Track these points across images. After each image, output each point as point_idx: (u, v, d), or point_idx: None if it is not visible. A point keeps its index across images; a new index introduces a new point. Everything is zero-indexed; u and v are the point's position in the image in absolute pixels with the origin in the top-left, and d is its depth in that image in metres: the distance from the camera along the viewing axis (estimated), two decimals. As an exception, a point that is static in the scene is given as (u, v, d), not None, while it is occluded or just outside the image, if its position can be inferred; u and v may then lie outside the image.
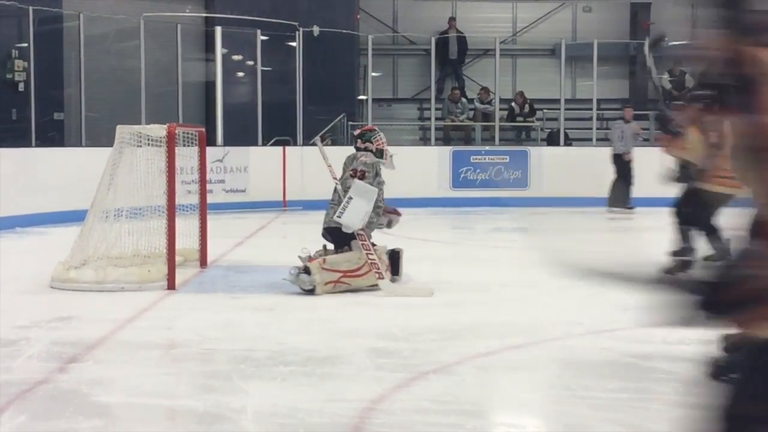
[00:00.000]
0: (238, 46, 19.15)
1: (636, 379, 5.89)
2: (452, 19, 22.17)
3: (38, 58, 15.45)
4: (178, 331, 7.22)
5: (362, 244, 8.85)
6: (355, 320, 7.64)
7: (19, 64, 16.01)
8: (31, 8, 15.18)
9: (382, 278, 8.76)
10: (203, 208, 10.25)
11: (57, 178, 14.32)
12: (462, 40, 21.98)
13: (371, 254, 8.80)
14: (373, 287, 8.79)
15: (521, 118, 20.89)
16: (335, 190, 9.15)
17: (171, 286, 8.78)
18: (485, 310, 7.97)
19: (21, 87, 15.92)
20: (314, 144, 9.85)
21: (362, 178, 9.05)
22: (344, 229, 8.90)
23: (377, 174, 9.21)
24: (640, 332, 7.21)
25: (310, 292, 8.63)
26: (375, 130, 9.50)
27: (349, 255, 8.87)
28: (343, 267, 8.80)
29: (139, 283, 8.73)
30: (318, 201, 16.58)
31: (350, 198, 8.91)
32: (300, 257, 9.06)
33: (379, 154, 9.27)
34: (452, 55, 21.53)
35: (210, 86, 18.54)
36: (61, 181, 14.24)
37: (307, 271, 8.67)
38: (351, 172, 9.13)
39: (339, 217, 8.87)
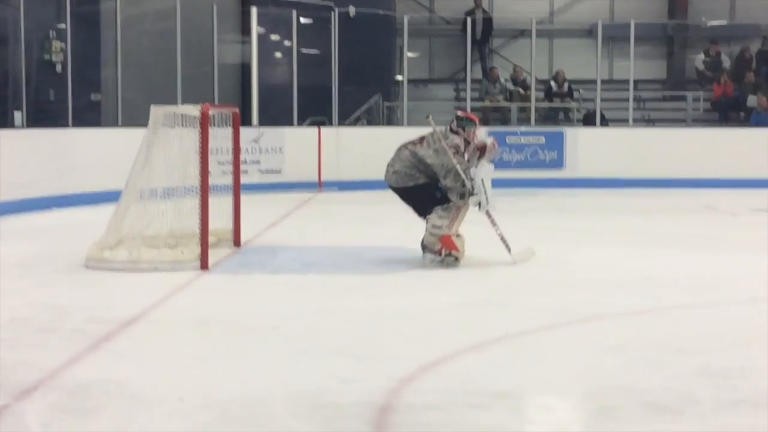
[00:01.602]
0: (274, 27, 19.18)
1: (667, 364, 5.87)
2: (478, -1, 22.00)
3: (75, 39, 15.53)
4: (211, 310, 7.26)
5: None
6: (387, 301, 7.65)
7: (56, 45, 16.07)
8: (68, -11, 15.26)
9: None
10: (237, 189, 10.29)
11: (93, 159, 14.42)
12: (487, 21, 21.85)
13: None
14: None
15: (558, 99, 20.81)
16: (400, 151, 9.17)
17: (204, 266, 8.83)
18: (515, 290, 7.98)
19: (59, 68, 16.00)
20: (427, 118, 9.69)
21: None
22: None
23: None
24: (670, 314, 7.21)
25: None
26: (475, 123, 9.36)
27: (448, 207, 8.99)
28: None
29: (173, 263, 8.78)
30: (354, 181, 16.73)
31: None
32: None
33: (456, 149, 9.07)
34: (477, 35, 21.35)
35: (246, 67, 18.58)
36: (97, 162, 14.33)
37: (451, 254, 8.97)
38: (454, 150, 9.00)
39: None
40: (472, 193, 8.92)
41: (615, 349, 6.11)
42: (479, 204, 8.97)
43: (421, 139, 9.14)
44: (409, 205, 9.25)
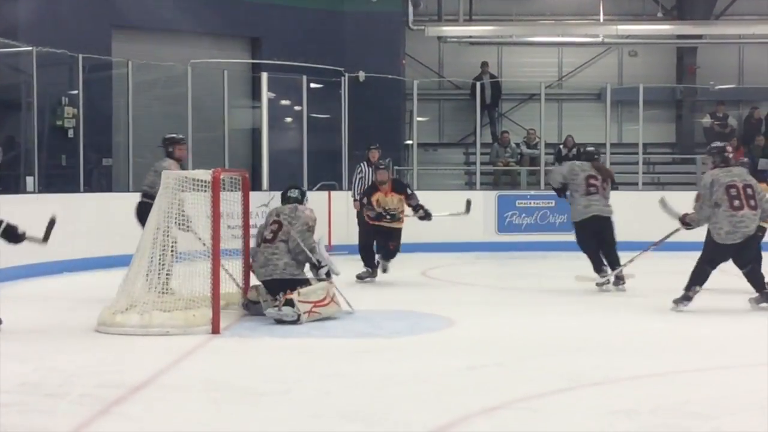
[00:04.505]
0: (284, 92, 19.30)
1: (680, 428, 5.83)
2: (485, 64, 22.18)
3: (87, 104, 15.66)
4: (221, 374, 7.25)
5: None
6: (397, 365, 7.63)
7: (68, 111, 16.23)
8: (80, 56, 15.39)
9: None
10: (246, 252, 10.31)
11: (104, 223, 14.46)
12: (495, 85, 22.02)
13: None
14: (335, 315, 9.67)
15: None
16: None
17: (215, 329, 8.83)
18: (527, 353, 7.96)
19: (70, 134, 16.12)
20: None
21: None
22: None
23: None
24: (681, 377, 7.17)
25: (295, 322, 9.22)
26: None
27: (317, 286, 9.59)
28: (312, 298, 9.44)
29: (184, 327, 8.78)
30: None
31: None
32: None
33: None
34: (487, 99, 21.49)
35: (256, 132, 18.68)
36: (107, 226, 14.38)
37: (289, 303, 9.25)
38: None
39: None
40: None
41: (626, 413, 6.08)
42: None
43: None
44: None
